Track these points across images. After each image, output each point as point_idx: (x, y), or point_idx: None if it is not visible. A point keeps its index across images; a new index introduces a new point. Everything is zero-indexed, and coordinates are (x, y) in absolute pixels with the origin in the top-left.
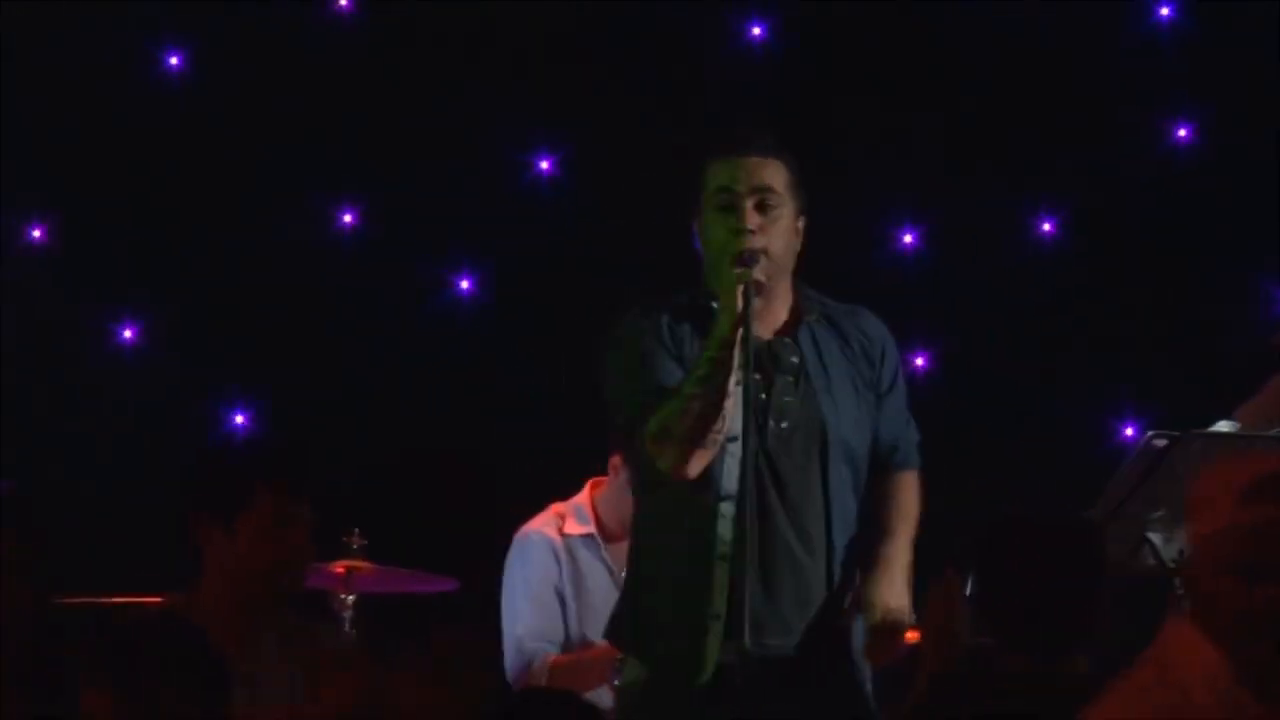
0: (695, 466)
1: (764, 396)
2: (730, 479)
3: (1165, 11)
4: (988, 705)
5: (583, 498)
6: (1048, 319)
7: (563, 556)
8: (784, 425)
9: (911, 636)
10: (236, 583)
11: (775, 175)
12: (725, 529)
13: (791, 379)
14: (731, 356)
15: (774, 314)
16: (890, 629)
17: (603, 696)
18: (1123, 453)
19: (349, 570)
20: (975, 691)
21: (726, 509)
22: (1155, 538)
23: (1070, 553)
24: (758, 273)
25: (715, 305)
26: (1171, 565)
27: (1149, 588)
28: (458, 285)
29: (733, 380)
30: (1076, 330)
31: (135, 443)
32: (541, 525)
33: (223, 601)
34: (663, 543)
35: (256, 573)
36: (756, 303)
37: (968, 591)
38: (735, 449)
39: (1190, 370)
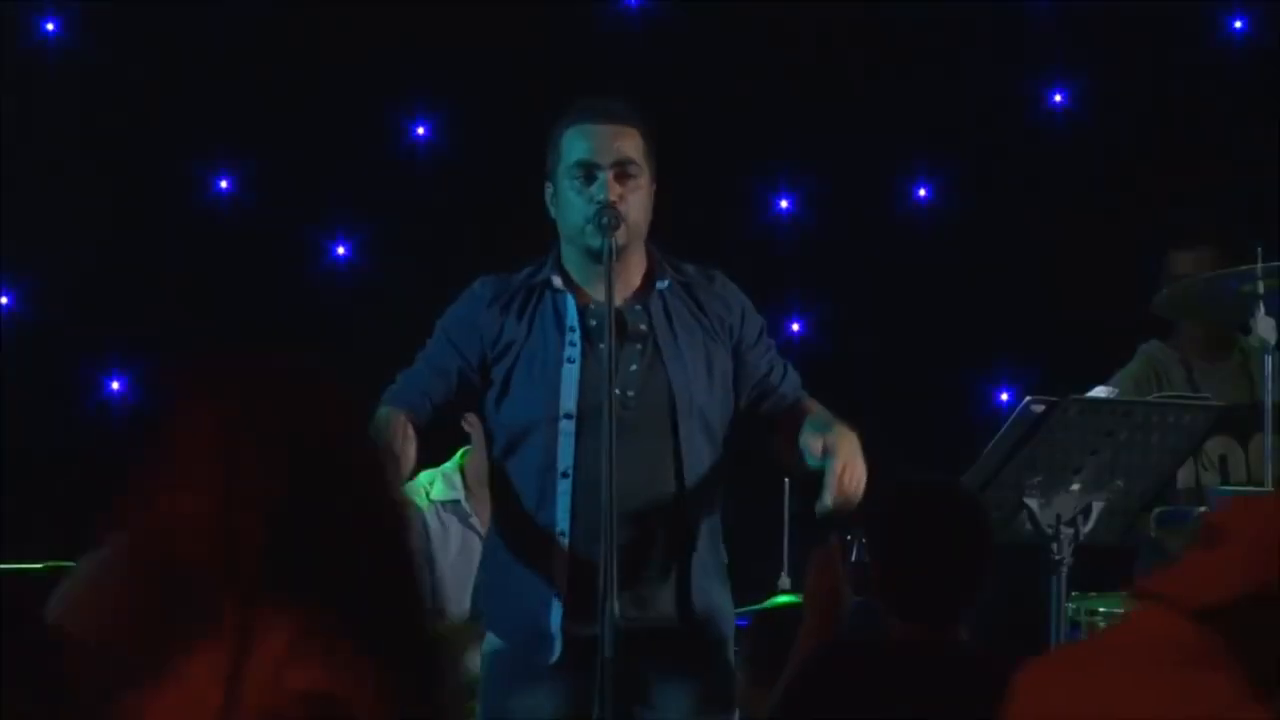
0: None
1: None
2: (566, 455)
3: None
4: (873, 673)
5: (453, 464)
6: (924, 284)
7: (430, 523)
8: (630, 394)
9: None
10: None
11: (633, 145)
12: (564, 505)
13: (639, 347)
14: None
15: (627, 280)
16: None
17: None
18: (1000, 418)
19: None
20: (860, 659)
21: (564, 485)
22: (1032, 503)
23: (958, 521)
24: (618, 237)
25: (554, 281)
26: (1049, 530)
27: (1025, 553)
28: (333, 251)
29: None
30: (953, 295)
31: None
32: (409, 492)
33: None
34: (510, 516)
35: None
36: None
37: (851, 558)
38: (569, 426)
39: (1067, 335)
